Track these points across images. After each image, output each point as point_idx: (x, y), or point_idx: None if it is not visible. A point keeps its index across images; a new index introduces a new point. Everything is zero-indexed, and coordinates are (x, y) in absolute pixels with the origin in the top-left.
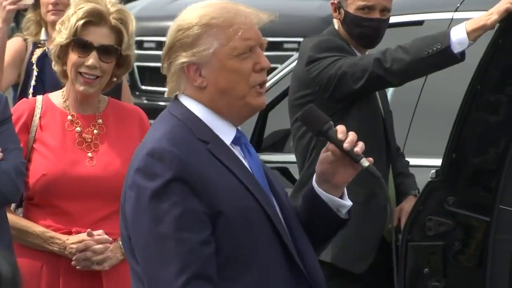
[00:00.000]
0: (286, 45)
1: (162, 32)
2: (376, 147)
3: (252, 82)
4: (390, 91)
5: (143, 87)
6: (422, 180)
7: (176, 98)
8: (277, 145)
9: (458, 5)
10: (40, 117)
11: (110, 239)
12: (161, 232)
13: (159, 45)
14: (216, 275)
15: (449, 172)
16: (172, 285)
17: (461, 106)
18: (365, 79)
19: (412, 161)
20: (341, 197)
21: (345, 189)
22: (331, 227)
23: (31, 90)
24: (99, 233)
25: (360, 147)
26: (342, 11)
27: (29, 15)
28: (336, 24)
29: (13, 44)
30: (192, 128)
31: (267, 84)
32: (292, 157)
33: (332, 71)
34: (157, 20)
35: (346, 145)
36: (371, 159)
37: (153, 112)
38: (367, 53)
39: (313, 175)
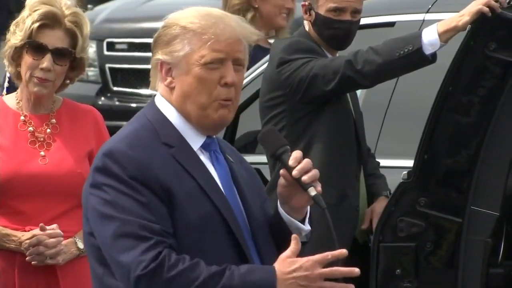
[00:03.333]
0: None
1: (134, 33)
2: (347, 148)
3: (215, 95)
4: (361, 93)
5: (115, 89)
6: (393, 181)
7: (153, 99)
8: (249, 146)
9: (430, 6)
10: None
11: (62, 233)
12: (118, 231)
13: (131, 47)
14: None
15: (421, 173)
16: (139, 264)
17: (433, 107)
18: (337, 81)
19: (384, 162)
20: (304, 219)
21: (308, 212)
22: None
23: (4, 92)
24: (52, 227)
25: (309, 176)
26: (313, 13)
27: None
28: (307, 25)
29: None
30: (159, 131)
31: None
32: (263, 158)
33: (303, 73)
34: (128, 21)
35: (295, 172)
36: (319, 188)
37: (124, 113)
38: (337, 55)
39: None
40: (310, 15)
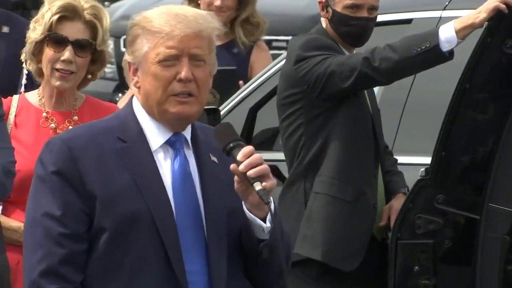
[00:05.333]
0: (274, 44)
1: None
2: (364, 145)
3: (170, 90)
4: (378, 90)
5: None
6: (411, 178)
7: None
8: (267, 143)
9: (447, 3)
10: (15, 115)
11: None
12: (35, 218)
13: None
14: (76, 273)
15: (439, 170)
16: (32, 272)
17: (450, 105)
18: (354, 78)
19: (401, 159)
20: (266, 217)
21: (273, 209)
22: (254, 245)
23: (22, 89)
24: None
25: (255, 170)
26: (330, 10)
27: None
28: (324, 22)
29: None
30: (119, 126)
31: (256, 82)
32: (281, 155)
33: (320, 70)
34: None
35: (241, 167)
36: (265, 184)
37: None
38: (355, 51)
39: (301, 174)
40: (327, 12)
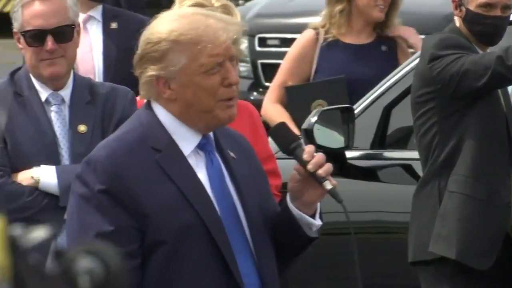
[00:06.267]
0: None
1: (285, 29)
2: (498, 143)
3: (219, 96)
4: None
5: (267, 84)
6: None
7: (149, 101)
8: (401, 141)
9: None
10: None
11: None
12: (85, 239)
13: (283, 42)
14: None
15: None
16: None
17: None
18: (487, 76)
19: None
20: (314, 214)
21: (319, 207)
22: (299, 243)
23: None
24: None
25: (324, 169)
26: (463, 9)
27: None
28: (457, 21)
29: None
30: (148, 134)
31: (390, 81)
32: (415, 154)
33: (454, 69)
34: (279, 17)
35: (309, 166)
36: (335, 182)
37: None
38: (488, 50)
39: (436, 173)
40: (460, 11)
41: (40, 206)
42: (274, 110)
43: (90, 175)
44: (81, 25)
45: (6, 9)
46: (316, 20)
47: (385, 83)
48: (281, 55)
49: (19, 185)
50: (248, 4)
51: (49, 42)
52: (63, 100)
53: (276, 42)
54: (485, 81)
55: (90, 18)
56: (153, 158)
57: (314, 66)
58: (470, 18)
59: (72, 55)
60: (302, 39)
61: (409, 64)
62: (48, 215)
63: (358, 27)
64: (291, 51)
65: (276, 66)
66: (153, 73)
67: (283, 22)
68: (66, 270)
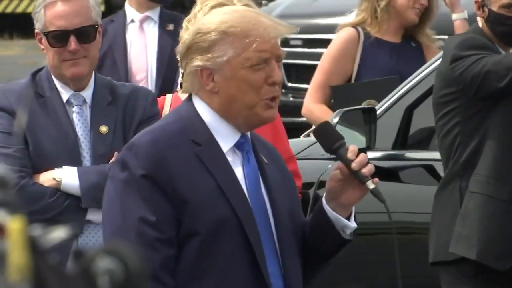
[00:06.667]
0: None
1: (308, 29)
2: None
3: (263, 94)
4: None
5: (290, 85)
6: None
7: (190, 96)
8: (423, 142)
9: None
10: None
11: None
12: (127, 223)
13: (306, 43)
14: (170, 278)
15: None
16: None
17: None
18: (510, 77)
19: None
20: (349, 217)
21: (354, 210)
22: (333, 246)
23: (178, 88)
24: None
25: (368, 169)
26: (486, 9)
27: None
28: (480, 22)
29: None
30: (189, 128)
31: (413, 81)
32: (437, 155)
33: (476, 69)
34: (302, 17)
35: (354, 165)
36: (376, 180)
37: (299, 109)
38: (511, 51)
39: (457, 174)
40: (483, 11)
41: (62, 207)
42: (319, 111)
43: (132, 160)
44: (138, 24)
45: (29, 10)
46: (341, 20)
47: (407, 83)
48: (304, 56)
49: (41, 186)
50: (271, 4)
51: (72, 43)
52: (84, 101)
53: (299, 42)
54: (507, 82)
55: (147, 18)
56: (193, 150)
57: (357, 64)
58: (492, 19)
59: (94, 56)
60: (342, 37)
61: (431, 64)
62: (70, 216)
63: (392, 27)
64: (331, 50)
65: (299, 66)
66: (199, 63)
67: (306, 22)
68: (86, 270)
